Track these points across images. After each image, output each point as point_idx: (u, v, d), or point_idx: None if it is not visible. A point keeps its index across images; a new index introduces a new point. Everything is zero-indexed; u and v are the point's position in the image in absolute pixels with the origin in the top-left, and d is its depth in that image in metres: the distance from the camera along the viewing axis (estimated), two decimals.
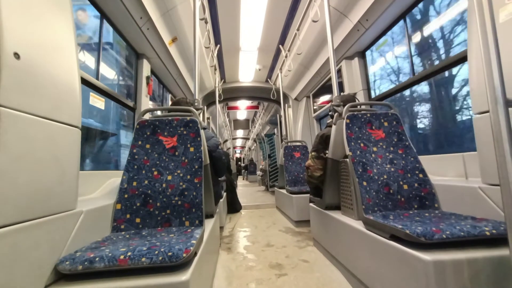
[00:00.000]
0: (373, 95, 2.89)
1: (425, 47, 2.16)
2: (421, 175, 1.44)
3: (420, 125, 2.33)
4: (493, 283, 0.81)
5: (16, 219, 0.71)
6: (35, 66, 0.82)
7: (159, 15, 2.35)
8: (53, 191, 0.86)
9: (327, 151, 1.82)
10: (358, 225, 1.30)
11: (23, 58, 0.76)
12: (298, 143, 3.82)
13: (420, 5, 2.13)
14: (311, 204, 2.15)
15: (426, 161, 1.59)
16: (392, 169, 1.46)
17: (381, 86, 2.76)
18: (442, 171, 1.65)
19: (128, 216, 1.29)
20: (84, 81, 1.75)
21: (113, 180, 1.63)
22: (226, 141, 10.88)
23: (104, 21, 2.15)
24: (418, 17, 2.21)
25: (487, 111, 1.05)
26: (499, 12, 1.05)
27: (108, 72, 2.32)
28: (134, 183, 1.36)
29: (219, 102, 4.79)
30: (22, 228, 0.72)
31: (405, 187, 1.41)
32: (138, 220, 1.30)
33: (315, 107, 4.54)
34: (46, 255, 0.81)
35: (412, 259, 0.87)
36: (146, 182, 1.37)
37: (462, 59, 1.68)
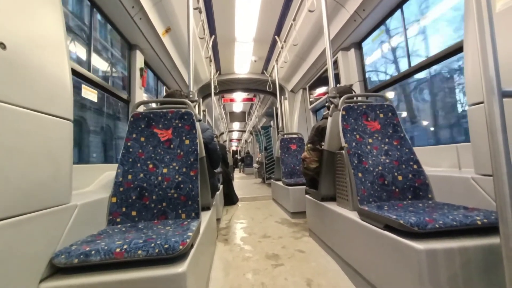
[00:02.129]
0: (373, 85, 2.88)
1: None
2: (415, 166, 1.45)
3: None
4: (483, 271, 0.84)
5: (8, 213, 0.70)
6: (22, 57, 0.79)
7: (151, 4, 2.28)
8: (46, 185, 0.85)
9: (323, 143, 1.82)
10: (353, 215, 1.31)
11: (9, 48, 0.74)
12: (294, 135, 3.82)
13: None
14: (307, 196, 2.17)
15: (420, 152, 1.61)
16: (387, 161, 1.47)
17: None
18: (436, 162, 1.67)
19: (123, 209, 1.29)
20: (75, 73, 1.71)
21: (107, 173, 1.62)
22: (222, 133, 10.83)
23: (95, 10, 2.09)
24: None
25: (482, 102, 1.05)
26: (495, 1, 1.04)
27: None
28: (129, 176, 1.35)
29: (215, 94, 4.74)
30: (15, 222, 0.71)
31: (400, 178, 1.42)
32: (134, 213, 1.29)
33: (311, 99, 4.53)
34: (41, 249, 0.80)
35: (406, 248, 0.89)
36: (141, 175, 1.36)
37: (458, 49, 1.68)
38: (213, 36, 3.75)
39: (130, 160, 1.39)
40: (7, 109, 0.72)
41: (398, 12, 2.32)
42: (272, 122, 7.80)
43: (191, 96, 1.76)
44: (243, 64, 4.97)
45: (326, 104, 1.88)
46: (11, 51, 0.75)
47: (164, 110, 1.51)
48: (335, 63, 3.21)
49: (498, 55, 0.67)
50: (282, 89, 5.07)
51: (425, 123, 2.34)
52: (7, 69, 0.73)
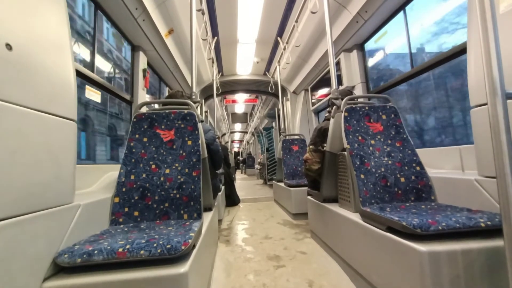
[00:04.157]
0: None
1: None
2: (418, 168, 1.45)
3: None
4: (486, 273, 0.83)
5: (12, 212, 0.70)
6: (28, 58, 0.80)
7: (154, 6, 2.30)
8: (50, 185, 0.86)
9: (325, 144, 1.82)
10: (355, 217, 1.31)
11: (15, 49, 0.75)
12: (296, 137, 3.82)
13: None
14: (309, 197, 2.16)
15: (423, 153, 1.60)
16: (390, 162, 1.47)
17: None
18: (439, 163, 1.66)
19: (126, 209, 1.29)
20: (79, 74, 1.73)
21: (110, 173, 1.62)
22: (224, 134, 10.84)
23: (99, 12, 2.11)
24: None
25: (485, 104, 1.05)
26: (499, 3, 1.04)
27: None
28: (132, 177, 1.36)
29: (217, 95, 4.76)
30: (19, 221, 0.72)
31: (402, 179, 1.42)
32: (136, 213, 1.30)
33: (313, 101, 4.52)
34: (44, 248, 0.81)
35: (408, 250, 0.88)
36: (144, 175, 1.37)
37: (461, 51, 1.67)
38: (216, 38, 3.76)
39: (133, 160, 1.40)
40: (12, 109, 0.72)
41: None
42: (274, 123, 7.79)
43: (193, 97, 1.77)
44: (245, 65, 4.98)
45: (328, 109, 1.88)
46: (17, 52, 0.76)
47: (167, 111, 1.52)
48: (337, 64, 3.21)
49: (502, 56, 0.67)
50: (284, 90, 5.07)
51: None
52: (13, 69, 0.74)
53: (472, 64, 1.14)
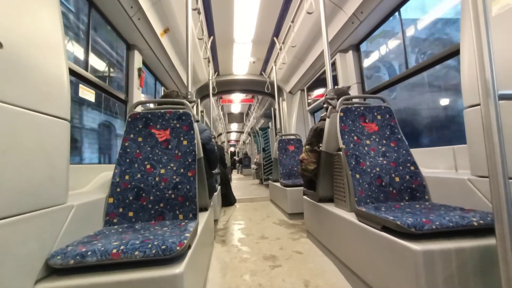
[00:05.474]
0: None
1: None
2: (412, 168, 1.46)
3: None
4: (480, 272, 0.84)
5: (4, 213, 0.69)
6: (19, 56, 0.79)
7: (150, 4, 2.28)
8: (42, 185, 0.84)
9: (321, 144, 1.83)
10: (351, 217, 1.32)
11: (6, 47, 0.73)
12: (292, 137, 3.83)
13: None
14: (304, 197, 2.17)
15: (417, 153, 1.62)
16: (385, 162, 1.48)
17: None
18: (433, 163, 1.68)
19: (120, 210, 1.28)
20: (73, 73, 1.70)
21: (104, 174, 1.60)
22: (220, 134, 10.82)
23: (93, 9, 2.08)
24: None
25: (478, 104, 1.06)
26: (492, 5, 1.05)
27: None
28: (127, 177, 1.34)
29: (213, 95, 4.74)
30: (11, 222, 0.70)
31: (397, 179, 1.43)
32: (131, 213, 1.29)
33: (309, 101, 4.54)
34: (37, 249, 0.80)
35: (403, 249, 0.89)
36: (138, 175, 1.36)
37: (454, 52, 1.69)
38: (212, 37, 3.75)
39: (127, 160, 1.38)
40: (3, 108, 0.71)
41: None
42: (270, 123, 7.80)
43: (189, 96, 1.76)
44: (241, 65, 4.97)
45: (324, 106, 1.88)
46: (8, 50, 0.74)
47: (162, 111, 1.51)
48: (333, 65, 3.23)
49: (494, 58, 0.68)
50: (280, 90, 5.08)
51: None
52: (3, 67, 0.72)
53: (466, 65, 1.16)
